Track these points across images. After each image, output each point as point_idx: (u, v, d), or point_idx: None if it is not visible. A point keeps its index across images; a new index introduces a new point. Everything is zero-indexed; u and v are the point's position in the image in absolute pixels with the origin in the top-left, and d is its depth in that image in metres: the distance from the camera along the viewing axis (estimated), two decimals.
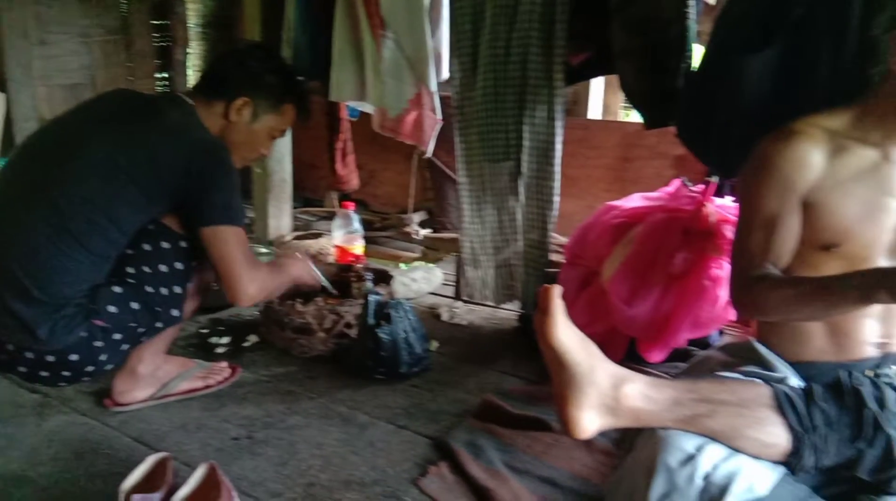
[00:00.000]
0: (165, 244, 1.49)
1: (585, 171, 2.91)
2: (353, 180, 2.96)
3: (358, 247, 2.30)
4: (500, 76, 1.93)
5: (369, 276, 2.11)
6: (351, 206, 2.36)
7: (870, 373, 1.32)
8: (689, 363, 1.58)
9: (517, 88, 1.92)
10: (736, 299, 1.33)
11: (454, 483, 1.39)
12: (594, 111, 3.10)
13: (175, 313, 1.54)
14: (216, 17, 4.20)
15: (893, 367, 1.33)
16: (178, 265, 1.51)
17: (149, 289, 1.47)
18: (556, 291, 1.14)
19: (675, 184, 1.88)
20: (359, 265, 2.18)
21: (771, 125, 1.30)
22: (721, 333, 1.98)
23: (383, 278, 2.20)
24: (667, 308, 1.74)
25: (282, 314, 1.96)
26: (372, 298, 1.84)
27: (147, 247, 1.48)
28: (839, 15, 1.40)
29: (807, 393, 1.14)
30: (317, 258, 2.31)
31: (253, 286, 1.52)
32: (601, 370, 1.13)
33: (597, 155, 2.90)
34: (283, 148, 2.96)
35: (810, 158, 1.25)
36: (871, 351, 1.33)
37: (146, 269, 1.48)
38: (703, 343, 1.89)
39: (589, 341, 1.16)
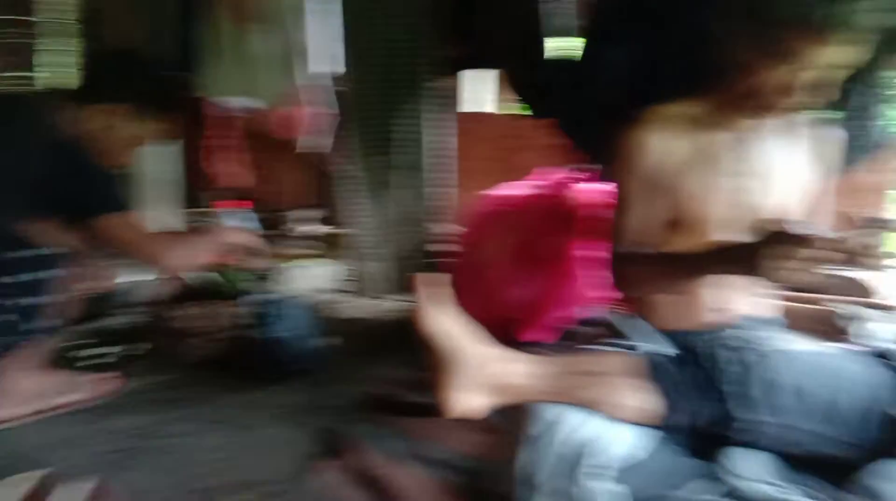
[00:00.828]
0: (27, 253, 1.42)
1: (470, 162, 2.97)
2: (242, 178, 2.89)
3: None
4: (378, 69, 1.96)
5: (261, 274, 2.09)
6: (248, 204, 2.30)
7: (720, 337, 1.47)
8: (565, 339, 1.68)
9: (396, 82, 1.96)
10: (610, 276, 1.43)
11: (350, 475, 1.41)
12: (475, 105, 3.18)
13: (44, 323, 1.48)
14: (84, 11, 3.95)
15: (739, 330, 1.48)
16: (42, 274, 1.44)
17: (8, 302, 1.40)
18: (430, 278, 1.18)
19: (548, 172, 1.98)
20: (250, 264, 2.14)
21: (635, 114, 1.40)
22: (597, 308, 2.10)
23: (273, 277, 2.18)
24: (542, 289, 1.84)
25: (166, 319, 1.91)
26: (259, 297, 1.83)
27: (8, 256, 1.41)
28: (694, 7, 1.52)
29: (670, 359, 1.24)
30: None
31: (168, 258, 1.49)
32: (476, 351, 1.19)
33: (482, 146, 2.97)
34: (168, 147, 2.84)
35: (665, 143, 1.36)
36: (720, 316, 1.47)
37: (6, 279, 1.41)
38: (578, 319, 2.00)
39: (464, 323, 1.21)
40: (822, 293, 2.12)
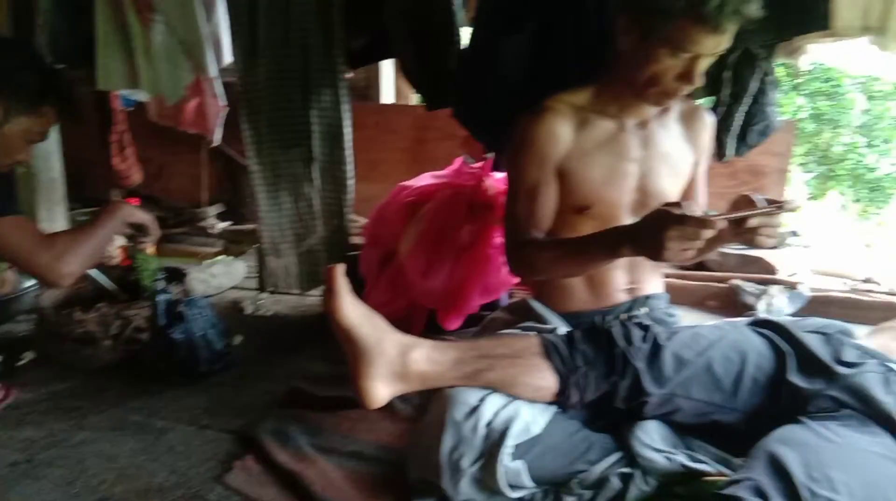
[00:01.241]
0: None
1: (384, 154, 2.98)
2: (134, 175, 2.76)
3: (148, 247, 2.16)
4: (281, 61, 1.91)
5: (161, 275, 2.00)
6: (136, 202, 2.20)
7: (623, 316, 1.53)
8: (481, 325, 1.70)
9: (301, 73, 1.91)
10: (510, 262, 1.46)
11: (261, 473, 1.38)
12: (388, 96, 3.17)
13: None
14: None
15: (643, 309, 1.55)
16: None
17: None
18: (340, 270, 1.17)
19: (458, 162, 2.00)
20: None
21: (529, 103, 1.42)
22: (510, 295, 2.15)
23: (177, 276, 2.09)
24: (459, 278, 1.86)
25: (60, 325, 1.79)
26: (161, 298, 1.75)
27: None
28: (579, 3, 1.57)
29: (569, 339, 1.27)
30: (101, 262, 2.14)
31: (62, 263, 1.40)
32: (388, 341, 1.18)
33: (393, 138, 2.98)
34: (51, 144, 2.66)
35: (560, 131, 1.39)
36: (623, 297, 1.53)
37: None
38: (493, 306, 2.03)
39: (375, 314, 1.20)
40: (728, 271, 2.26)
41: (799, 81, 7.76)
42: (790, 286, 2.04)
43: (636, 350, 1.25)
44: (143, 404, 1.65)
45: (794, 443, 1.05)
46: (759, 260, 2.20)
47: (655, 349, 1.25)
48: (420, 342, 1.21)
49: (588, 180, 1.41)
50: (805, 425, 1.15)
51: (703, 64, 1.27)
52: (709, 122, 1.53)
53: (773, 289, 2.01)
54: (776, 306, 1.97)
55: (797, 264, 2.24)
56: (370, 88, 3.09)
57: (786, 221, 2.28)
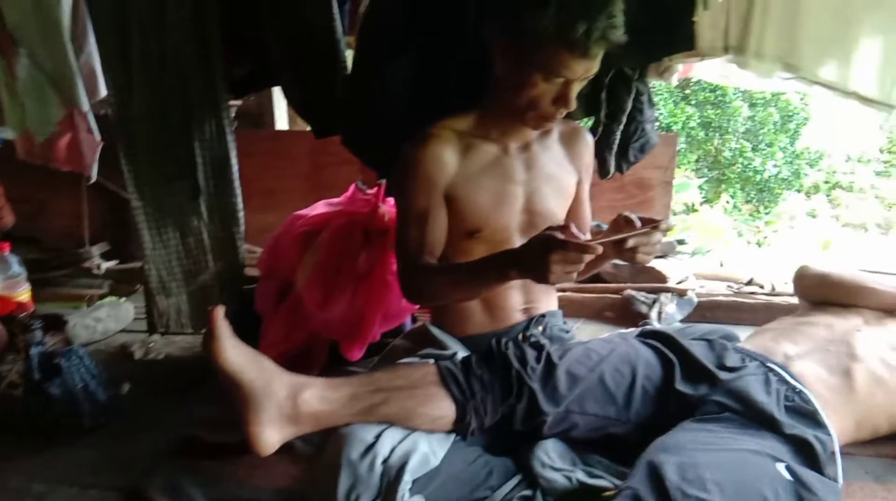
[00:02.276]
0: None
1: (281, 182, 2.91)
2: (6, 217, 2.56)
3: (22, 293, 2.01)
4: (158, 92, 1.83)
5: (37, 324, 1.86)
6: (6, 247, 2.05)
7: (520, 337, 1.54)
8: (381, 354, 1.68)
9: (180, 103, 1.84)
10: (404, 289, 1.45)
11: None
12: (282, 121, 3.11)
13: None
14: None
15: (539, 327, 1.57)
16: None
17: None
18: (219, 313, 1.12)
19: (352, 189, 1.97)
20: (23, 314, 1.90)
21: (414, 129, 1.42)
22: (413, 319, 2.13)
23: (56, 324, 1.95)
24: (359, 307, 1.82)
25: None
26: (35, 350, 1.62)
27: None
28: (457, 27, 1.59)
29: (466, 365, 1.27)
30: None
31: None
32: (276, 383, 1.14)
33: (290, 165, 2.91)
34: None
35: (445, 157, 1.40)
36: (519, 317, 1.55)
37: None
38: (397, 333, 2.01)
39: (261, 356, 1.16)
40: (622, 282, 2.33)
41: (687, 92, 8.21)
42: (679, 293, 2.14)
43: (531, 371, 1.26)
44: (18, 466, 1.51)
45: (672, 449, 1.09)
46: (650, 270, 2.29)
47: (549, 368, 1.27)
48: (311, 382, 1.18)
49: (476, 205, 1.43)
50: (685, 429, 1.21)
51: (577, 87, 1.31)
52: (589, 141, 1.58)
53: (664, 297, 2.10)
54: (667, 313, 2.05)
55: (686, 271, 2.35)
56: (263, 114, 3.02)
57: (669, 233, 2.40)
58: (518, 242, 1.46)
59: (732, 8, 1.59)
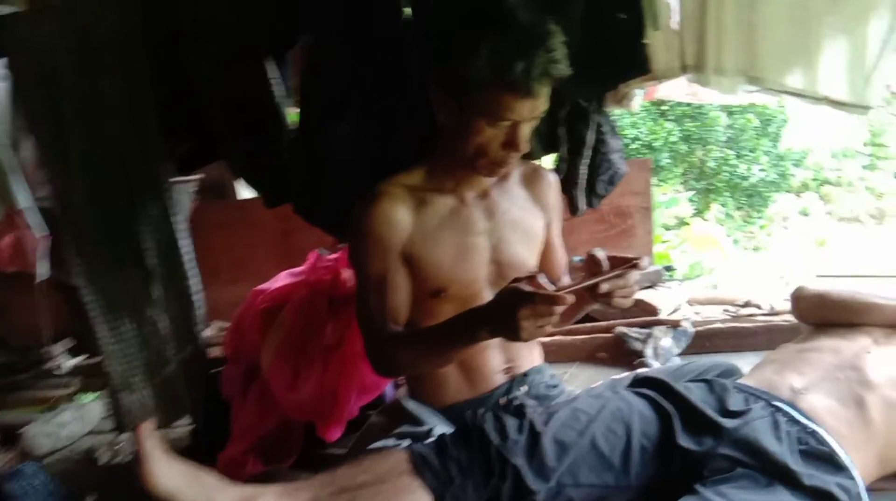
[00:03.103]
0: None
1: (249, 251, 2.80)
2: None
3: None
4: (99, 178, 1.74)
5: None
6: None
7: (503, 400, 1.42)
8: (358, 435, 1.55)
9: (122, 188, 1.74)
10: (372, 362, 1.34)
11: None
12: (246, 190, 3.02)
13: None
14: None
15: (522, 387, 1.45)
16: None
17: None
18: (146, 430, 1.00)
19: (313, 256, 1.86)
20: None
21: (362, 189, 1.33)
22: (396, 386, 2.00)
23: (10, 437, 1.82)
24: (331, 383, 1.69)
25: None
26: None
27: None
28: (399, 79, 1.51)
29: (440, 446, 1.15)
30: None
31: None
32: (223, 499, 1.02)
33: (258, 233, 2.82)
34: None
35: (398, 216, 1.31)
36: (500, 379, 1.43)
37: None
38: (378, 403, 1.88)
39: (201, 471, 1.04)
40: (612, 319, 2.21)
41: (665, 108, 8.26)
42: (674, 325, 2.01)
43: (512, 445, 1.14)
44: None
45: None
46: (639, 302, 2.17)
47: (534, 439, 1.15)
48: (264, 491, 1.05)
49: (437, 262, 1.33)
50: (699, 496, 1.08)
51: (526, 129, 1.22)
52: (552, 180, 1.49)
53: (658, 331, 1.98)
54: (663, 347, 1.93)
55: (678, 299, 2.22)
56: (226, 185, 2.93)
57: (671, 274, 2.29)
58: (489, 296, 1.36)
59: (685, 26, 1.51)
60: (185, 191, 2.54)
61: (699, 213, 8.27)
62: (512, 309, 1.01)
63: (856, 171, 10.55)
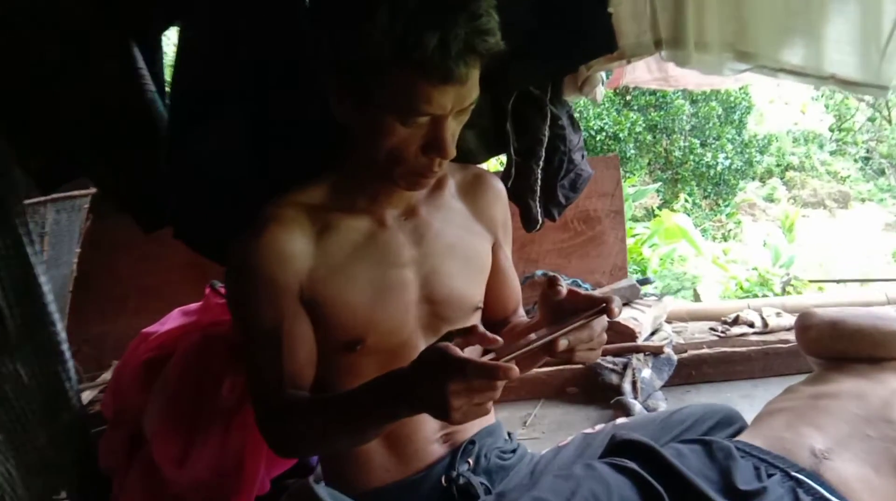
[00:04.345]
0: None
1: (160, 276, 2.41)
2: None
3: None
4: None
5: None
6: None
7: (444, 480, 1.11)
8: None
9: None
10: (266, 439, 1.03)
11: None
12: None
13: None
14: None
15: (469, 459, 1.13)
16: None
17: None
18: None
19: (207, 292, 1.51)
20: None
21: (249, 208, 1.02)
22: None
23: None
24: (234, 453, 1.34)
25: None
26: None
27: None
28: (293, 70, 1.17)
29: None
30: None
31: None
32: None
33: (168, 254, 2.42)
34: None
35: (292, 247, 0.99)
36: (439, 451, 1.12)
37: None
38: (298, 471, 1.53)
39: None
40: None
41: (628, 97, 8.23)
42: (654, 352, 1.71)
43: None
44: None
45: None
46: (614, 325, 1.86)
47: None
48: None
49: (350, 305, 1.01)
50: None
51: (451, 126, 0.91)
52: (499, 189, 1.18)
53: (636, 360, 1.67)
54: (643, 380, 1.63)
55: (657, 317, 1.91)
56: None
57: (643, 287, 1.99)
58: (422, 347, 1.06)
59: None
60: (74, 208, 2.17)
61: (667, 203, 8.23)
62: (440, 385, 0.76)
63: (819, 155, 10.67)
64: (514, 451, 1.19)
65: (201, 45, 1.20)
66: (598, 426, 1.29)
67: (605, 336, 0.91)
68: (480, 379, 0.75)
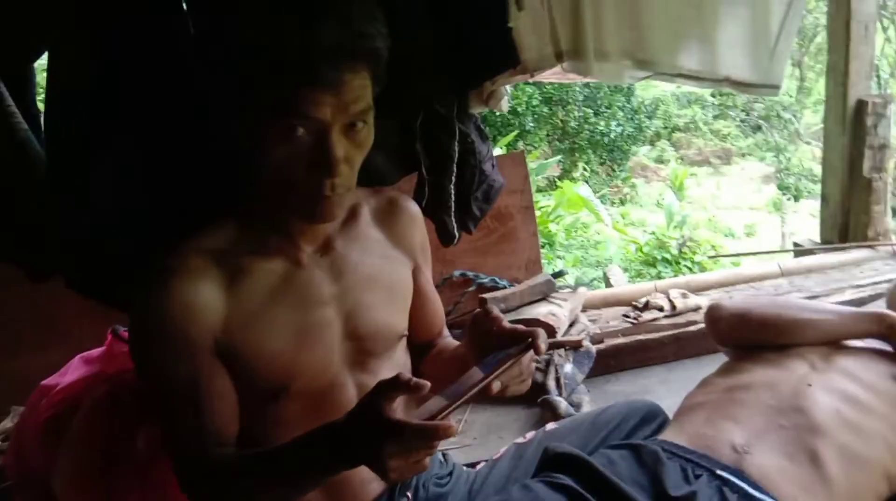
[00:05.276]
0: None
1: (63, 309, 2.18)
2: None
3: None
4: None
5: None
6: None
7: None
8: None
9: None
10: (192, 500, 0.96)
11: None
12: None
13: None
14: None
15: (408, 492, 1.12)
16: None
17: None
18: None
19: (109, 338, 1.40)
20: None
21: (141, 253, 0.96)
22: None
23: None
24: None
25: None
26: None
27: None
28: (183, 93, 1.08)
29: None
30: None
31: None
32: None
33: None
34: None
35: (201, 300, 0.93)
36: (376, 489, 1.09)
37: None
38: None
39: None
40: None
41: None
42: (574, 346, 1.75)
43: None
44: None
45: None
46: (533, 322, 1.89)
47: None
48: None
49: (270, 353, 0.95)
50: None
51: (344, 144, 0.87)
52: (414, 212, 1.15)
53: (557, 356, 1.70)
54: (566, 375, 1.66)
55: (573, 309, 1.96)
56: None
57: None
58: (349, 383, 1.03)
59: (555, 3, 1.18)
60: None
61: (567, 172, 8.49)
62: (378, 447, 0.75)
63: (701, 116, 11.30)
64: (450, 473, 1.19)
65: (78, 76, 1.09)
66: (529, 435, 1.31)
67: (533, 366, 0.92)
68: (418, 440, 0.74)
